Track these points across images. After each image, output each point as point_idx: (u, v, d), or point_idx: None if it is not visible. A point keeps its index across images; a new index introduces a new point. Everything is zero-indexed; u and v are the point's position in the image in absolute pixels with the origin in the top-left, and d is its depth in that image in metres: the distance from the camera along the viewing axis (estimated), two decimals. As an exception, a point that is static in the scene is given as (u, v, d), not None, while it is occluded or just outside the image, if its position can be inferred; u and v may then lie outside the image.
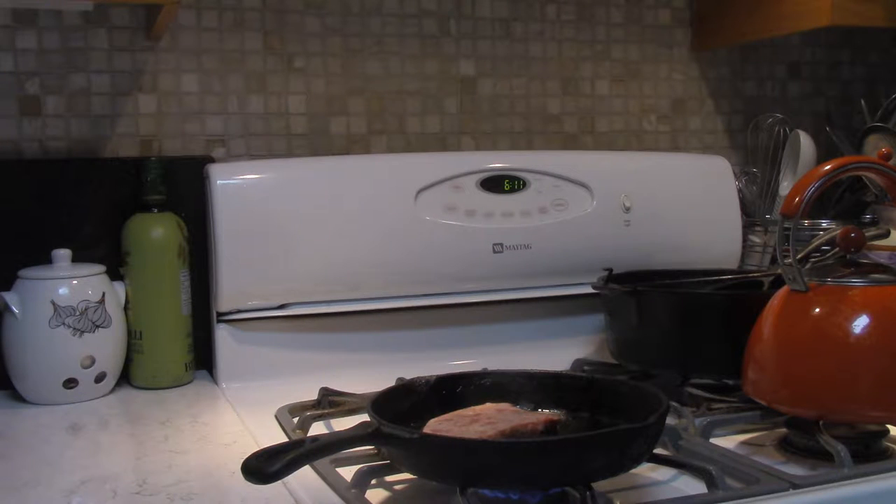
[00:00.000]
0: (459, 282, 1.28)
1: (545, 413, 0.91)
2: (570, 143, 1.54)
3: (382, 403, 0.84)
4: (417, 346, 1.28)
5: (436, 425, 0.84)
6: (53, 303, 1.13)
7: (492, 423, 0.83)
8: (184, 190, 1.25)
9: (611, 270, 1.23)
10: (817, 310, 0.88)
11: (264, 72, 1.36)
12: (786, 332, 0.90)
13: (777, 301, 0.92)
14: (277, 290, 1.21)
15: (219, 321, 1.22)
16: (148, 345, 1.20)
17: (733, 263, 1.44)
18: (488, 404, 0.90)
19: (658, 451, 0.85)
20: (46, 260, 1.17)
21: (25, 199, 1.20)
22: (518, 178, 1.31)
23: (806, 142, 1.53)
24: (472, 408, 0.88)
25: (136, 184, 1.21)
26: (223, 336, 1.21)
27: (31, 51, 1.25)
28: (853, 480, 0.81)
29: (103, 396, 1.17)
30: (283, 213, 1.19)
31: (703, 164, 1.45)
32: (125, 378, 1.21)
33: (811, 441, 0.88)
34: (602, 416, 0.90)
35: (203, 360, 1.25)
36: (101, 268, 1.18)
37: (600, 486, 0.76)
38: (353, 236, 1.22)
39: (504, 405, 0.90)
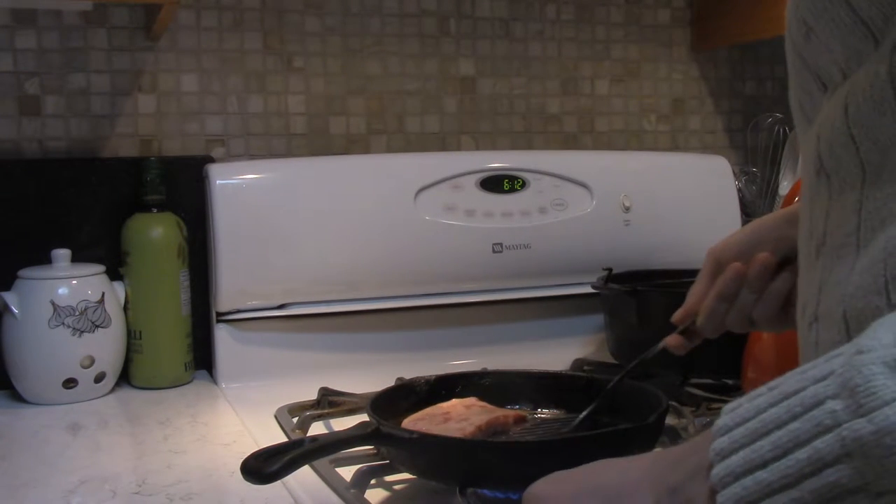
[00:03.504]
0: (459, 282, 1.28)
1: (514, 409, 0.91)
2: (570, 142, 1.54)
3: (382, 403, 0.84)
4: (417, 346, 1.28)
5: (411, 425, 0.83)
6: (53, 303, 1.13)
7: (467, 420, 0.83)
8: (183, 190, 1.25)
9: (610, 270, 1.23)
10: (817, 310, 0.88)
11: (264, 72, 1.35)
12: (785, 331, 0.90)
13: (777, 301, 0.92)
14: (277, 290, 1.21)
15: (218, 321, 1.21)
16: (147, 345, 1.20)
17: (733, 263, 1.43)
18: (454, 400, 0.89)
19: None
20: (46, 260, 1.16)
21: (25, 199, 1.20)
22: (518, 178, 1.31)
23: (806, 142, 1.53)
24: (440, 405, 0.88)
25: (136, 184, 1.21)
26: (223, 336, 1.21)
27: (30, 51, 1.25)
28: (853, 480, 0.81)
29: (103, 396, 1.17)
30: (283, 213, 1.19)
31: (702, 164, 1.45)
32: (125, 378, 1.21)
33: (811, 441, 0.88)
34: (602, 416, 0.90)
35: (203, 360, 1.25)
36: (101, 268, 1.18)
37: (600, 486, 0.76)
38: (353, 236, 1.22)
39: (470, 400, 0.90)
